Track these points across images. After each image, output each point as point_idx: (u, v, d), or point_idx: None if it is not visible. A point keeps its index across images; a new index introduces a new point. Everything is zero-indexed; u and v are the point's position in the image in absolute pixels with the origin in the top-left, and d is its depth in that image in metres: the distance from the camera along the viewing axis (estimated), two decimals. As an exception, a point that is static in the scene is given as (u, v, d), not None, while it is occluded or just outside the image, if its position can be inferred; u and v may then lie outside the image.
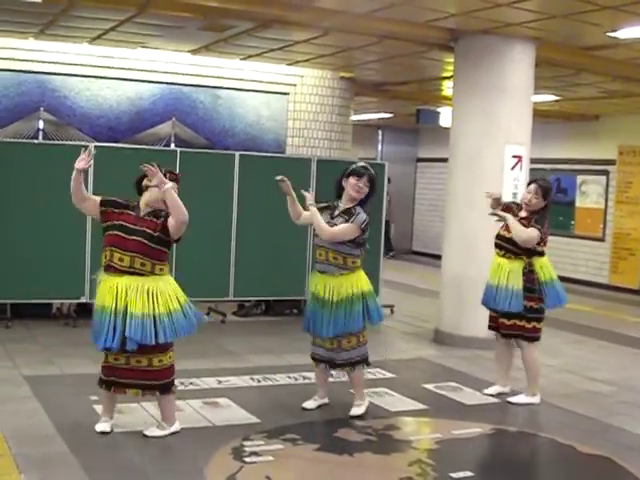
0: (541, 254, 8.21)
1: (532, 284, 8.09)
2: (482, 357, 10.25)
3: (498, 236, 8.29)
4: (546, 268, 8.23)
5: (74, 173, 6.45)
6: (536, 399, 8.36)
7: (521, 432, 7.51)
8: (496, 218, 8.23)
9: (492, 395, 8.50)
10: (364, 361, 7.50)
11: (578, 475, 6.57)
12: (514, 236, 8.03)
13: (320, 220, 7.27)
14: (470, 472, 6.22)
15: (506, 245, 8.15)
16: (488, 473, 6.56)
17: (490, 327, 8.52)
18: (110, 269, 6.36)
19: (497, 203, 8.37)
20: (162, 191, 6.30)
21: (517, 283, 8.04)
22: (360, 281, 7.31)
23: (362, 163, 7.56)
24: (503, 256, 8.18)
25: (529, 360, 8.33)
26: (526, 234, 8.00)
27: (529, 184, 8.39)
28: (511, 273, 8.07)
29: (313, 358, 7.59)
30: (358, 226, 7.19)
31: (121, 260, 6.32)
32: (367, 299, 7.33)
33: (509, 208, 8.33)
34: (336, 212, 7.33)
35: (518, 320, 8.16)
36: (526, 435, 7.45)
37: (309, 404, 7.67)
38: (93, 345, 6.46)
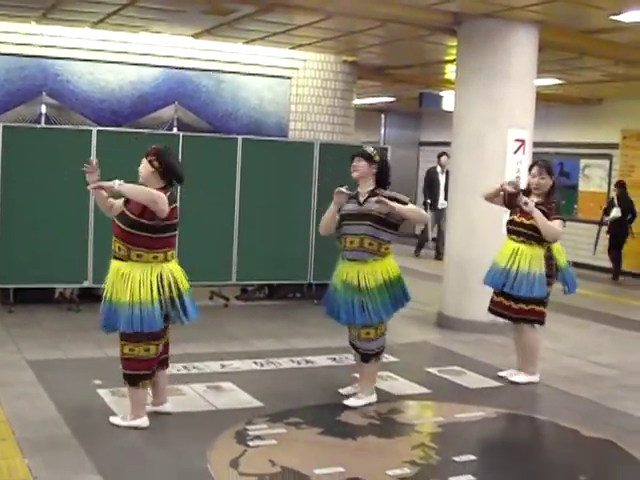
0: None
1: (550, 269, 8.16)
2: (485, 341, 10.27)
3: (513, 222, 8.23)
4: (560, 254, 8.28)
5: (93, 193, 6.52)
6: (536, 377, 8.46)
7: (524, 416, 7.53)
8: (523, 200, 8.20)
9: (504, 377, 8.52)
10: (379, 353, 7.48)
11: (581, 458, 6.58)
12: (546, 235, 7.99)
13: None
14: (473, 456, 6.23)
15: (526, 231, 8.09)
16: (491, 456, 6.57)
17: (493, 311, 8.48)
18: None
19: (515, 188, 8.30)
20: (117, 190, 6.22)
21: (540, 268, 8.05)
22: (392, 265, 7.41)
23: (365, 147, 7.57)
24: (522, 242, 8.12)
25: (533, 341, 8.40)
26: (556, 232, 8.04)
27: (530, 168, 8.44)
28: (533, 259, 8.06)
29: (354, 347, 7.55)
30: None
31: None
32: (402, 283, 7.41)
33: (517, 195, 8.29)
34: (362, 198, 7.33)
35: (536, 305, 8.19)
36: (529, 419, 7.47)
37: (347, 390, 7.65)
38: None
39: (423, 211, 7.52)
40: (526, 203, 7.98)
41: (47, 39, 13.39)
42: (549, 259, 8.18)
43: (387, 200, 7.11)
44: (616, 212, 16.87)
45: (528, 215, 8.05)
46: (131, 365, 6.43)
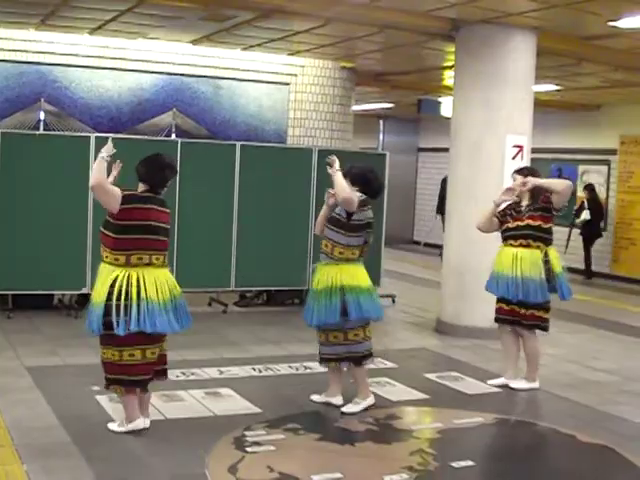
0: (551, 243, 8.28)
1: (548, 274, 8.13)
2: (483, 347, 10.26)
3: (508, 229, 8.27)
4: (557, 260, 8.29)
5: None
6: (536, 384, 8.47)
7: (522, 421, 7.53)
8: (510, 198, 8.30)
9: (498, 386, 8.48)
10: (354, 359, 7.34)
11: (579, 464, 6.57)
12: (556, 186, 8.18)
13: (343, 182, 7.21)
14: (471, 461, 6.23)
15: (523, 232, 8.15)
16: (489, 462, 6.57)
17: (499, 320, 8.47)
18: None
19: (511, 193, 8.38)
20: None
21: (541, 273, 8.08)
22: (342, 274, 7.16)
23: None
24: (520, 245, 8.15)
25: (534, 348, 8.43)
26: (563, 181, 8.37)
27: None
28: (533, 264, 8.09)
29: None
30: (356, 196, 7.14)
31: None
32: (347, 294, 7.12)
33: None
34: None
35: (536, 310, 8.21)
36: (527, 424, 7.46)
37: (315, 397, 7.65)
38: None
39: (349, 190, 7.19)
40: (524, 183, 8.19)
41: (46, 46, 13.40)
42: (546, 263, 8.18)
43: (334, 159, 7.28)
44: (585, 215, 17.69)
45: (522, 219, 8.15)
46: (103, 366, 6.47)
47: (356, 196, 7.17)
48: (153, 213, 6.39)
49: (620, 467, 6.45)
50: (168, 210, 6.56)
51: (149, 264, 6.32)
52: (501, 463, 6.52)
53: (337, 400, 7.48)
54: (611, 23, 10.22)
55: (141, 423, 6.49)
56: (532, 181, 8.17)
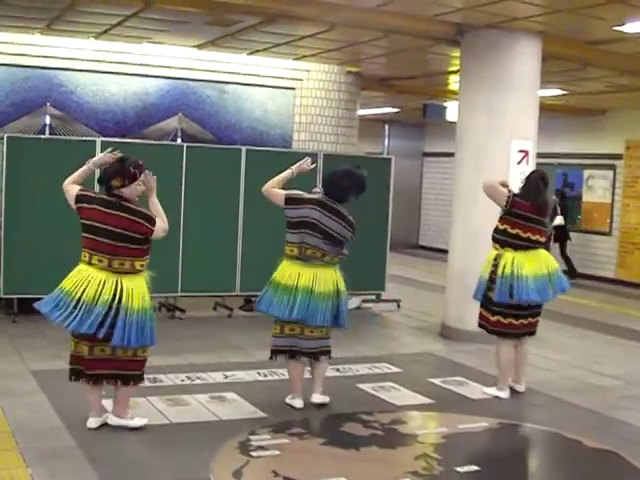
0: (510, 245, 8.11)
1: (493, 275, 8.05)
2: (488, 351, 10.22)
3: (495, 229, 8.29)
4: (509, 264, 7.97)
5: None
6: (503, 394, 8.28)
7: (527, 426, 7.52)
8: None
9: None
10: (312, 354, 7.54)
11: (584, 470, 6.55)
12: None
13: (278, 177, 7.58)
14: (476, 466, 6.22)
15: (498, 237, 8.16)
16: (494, 467, 6.54)
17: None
18: None
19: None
20: None
21: (485, 272, 8.17)
22: (279, 269, 7.40)
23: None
24: (495, 248, 8.18)
25: (495, 354, 8.37)
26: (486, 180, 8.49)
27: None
28: (486, 264, 8.20)
29: None
30: (284, 193, 7.42)
31: None
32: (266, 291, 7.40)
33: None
34: None
35: (484, 310, 8.29)
36: (532, 429, 7.46)
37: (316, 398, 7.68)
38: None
39: (269, 185, 7.54)
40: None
41: (51, 50, 13.42)
42: (495, 266, 8.07)
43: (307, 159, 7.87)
44: (560, 220, 18.12)
45: (504, 221, 8.13)
46: None
47: (279, 192, 7.45)
48: (96, 214, 6.51)
49: (625, 472, 6.43)
50: (119, 213, 6.45)
51: (90, 264, 6.50)
52: (506, 468, 6.50)
53: (299, 403, 7.54)
54: (616, 28, 10.22)
55: (89, 423, 6.57)
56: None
